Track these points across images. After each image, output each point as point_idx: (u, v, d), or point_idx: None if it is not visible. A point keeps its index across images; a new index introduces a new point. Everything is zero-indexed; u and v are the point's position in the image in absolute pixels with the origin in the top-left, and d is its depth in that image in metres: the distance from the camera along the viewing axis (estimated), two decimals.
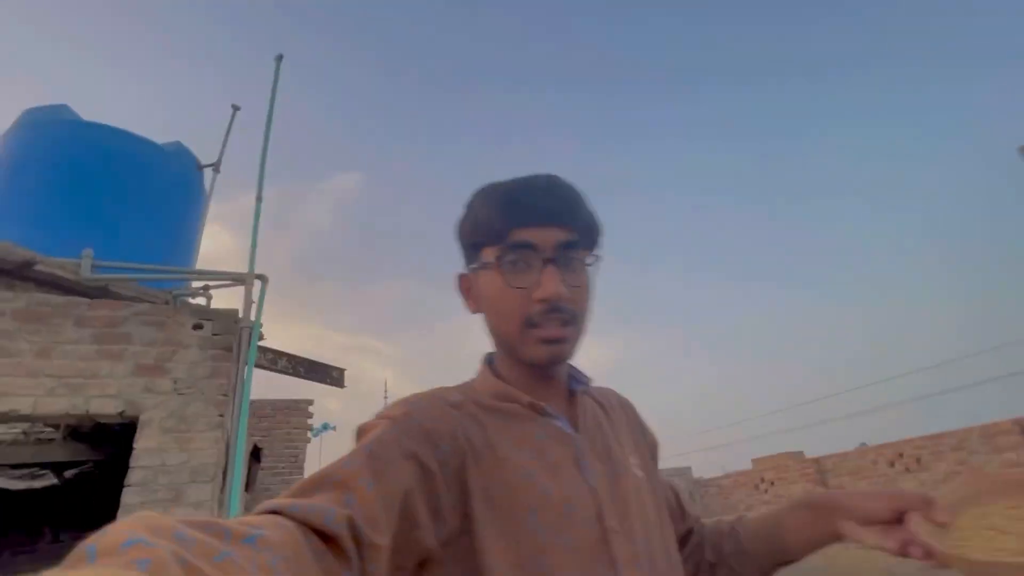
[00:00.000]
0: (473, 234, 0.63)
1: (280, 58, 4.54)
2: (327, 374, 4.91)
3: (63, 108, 3.85)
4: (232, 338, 3.15)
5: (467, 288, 0.67)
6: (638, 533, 0.57)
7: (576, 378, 0.67)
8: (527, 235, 0.58)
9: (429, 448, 0.51)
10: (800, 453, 15.22)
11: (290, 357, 4.47)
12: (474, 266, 0.63)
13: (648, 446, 0.73)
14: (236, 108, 5.00)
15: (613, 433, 0.66)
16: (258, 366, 3.40)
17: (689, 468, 15.57)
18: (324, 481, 0.45)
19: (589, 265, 0.62)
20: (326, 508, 0.40)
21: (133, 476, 2.60)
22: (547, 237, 0.58)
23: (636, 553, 0.55)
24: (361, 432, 0.53)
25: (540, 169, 0.64)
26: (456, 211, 0.68)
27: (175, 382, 2.88)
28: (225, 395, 2.97)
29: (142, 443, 2.68)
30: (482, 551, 0.50)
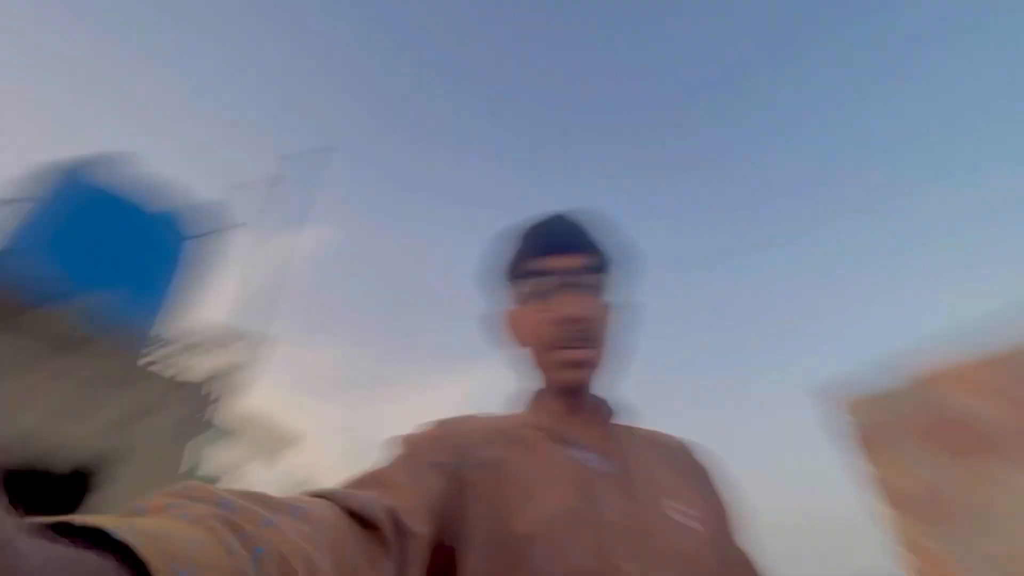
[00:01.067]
0: (499, 274, 0.68)
1: (329, 148, 5.08)
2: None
3: (96, 160, 4.12)
4: (209, 402, 3.30)
5: (500, 327, 0.69)
6: None
7: (616, 411, 0.66)
8: (544, 264, 0.62)
9: (452, 463, 0.53)
10: None
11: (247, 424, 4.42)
12: (503, 304, 0.67)
13: (719, 503, 0.64)
14: (283, 172, 5.25)
15: (657, 474, 0.61)
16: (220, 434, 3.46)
17: None
18: (364, 479, 0.48)
19: (609, 288, 0.65)
20: (368, 496, 0.41)
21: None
22: (562, 264, 0.62)
23: None
24: (397, 443, 0.55)
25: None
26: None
27: (146, 445, 2.93)
28: (191, 470, 3.04)
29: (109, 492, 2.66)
30: (464, 570, 0.49)
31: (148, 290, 4.03)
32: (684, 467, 0.65)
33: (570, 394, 0.63)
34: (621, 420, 0.65)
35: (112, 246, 3.84)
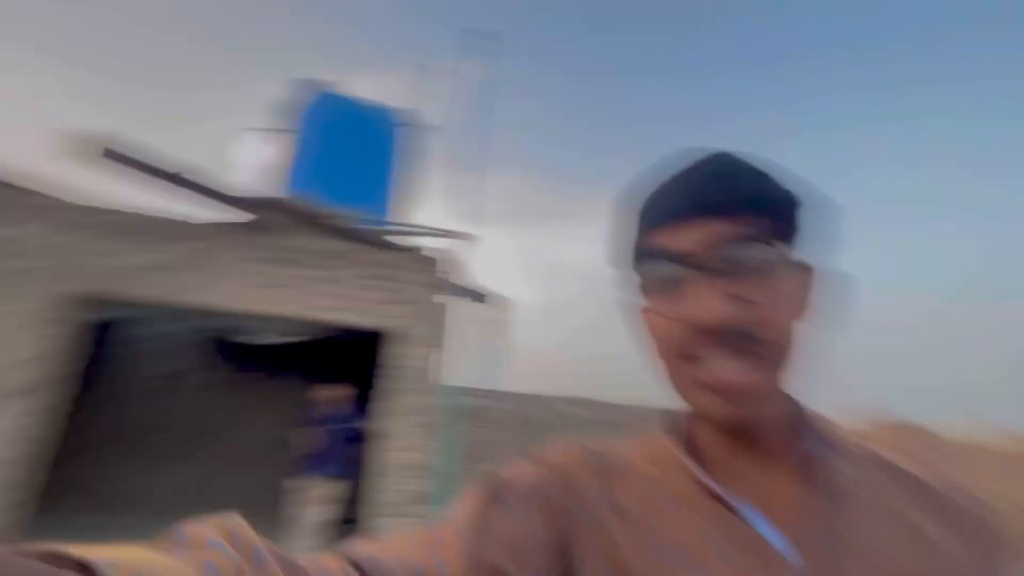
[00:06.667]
0: (623, 256, 0.47)
1: (492, 37, 5.17)
2: (487, 298, 6.01)
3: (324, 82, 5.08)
4: (452, 277, 4.32)
5: (640, 322, 0.48)
6: None
7: (812, 435, 0.44)
8: (670, 241, 0.41)
9: (556, 513, 0.42)
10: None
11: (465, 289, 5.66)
12: (634, 294, 0.47)
13: (983, 557, 0.40)
14: (448, 70, 5.72)
15: (895, 540, 0.39)
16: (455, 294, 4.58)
17: None
18: (425, 534, 0.40)
19: (778, 262, 0.40)
20: (401, 567, 0.36)
21: (389, 374, 3.96)
22: (698, 239, 0.40)
23: None
24: (486, 483, 0.44)
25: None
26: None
27: (417, 310, 4.06)
28: (440, 325, 4.14)
29: (399, 350, 3.96)
30: None
31: (383, 184, 5.05)
32: (959, 548, 0.40)
33: (731, 428, 0.42)
34: (815, 449, 0.43)
35: (358, 151, 4.84)
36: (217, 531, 0.30)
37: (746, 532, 0.39)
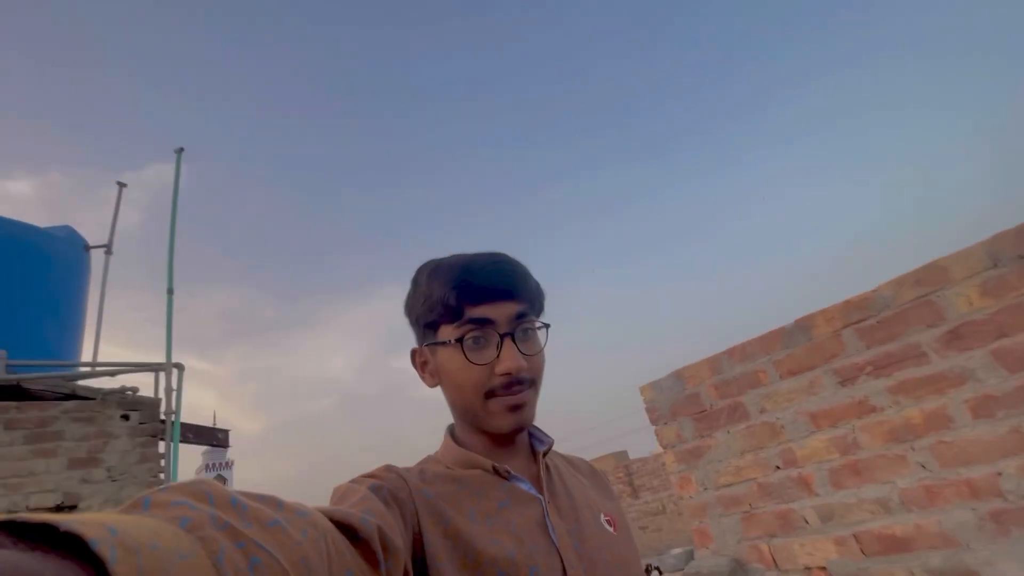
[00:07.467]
0: (428, 313, 0.64)
1: (181, 151, 4.95)
2: (213, 436, 5.29)
3: None
4: (156, 425, 3.65)
5: (423, 363, 0.67)
6: None
7: (539, 438, 0.70)
8: (484, 312, 0.61)
9: (400, 511, 0.53)
10: (624, 453, 18.42)
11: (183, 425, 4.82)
12: (432, 343, 0.64)
13: (616, 505, 0.73)
14: (122, 185, 5.17)
15: (580, 491, 0.68)
16: (154, 435, 3.83)
17: (625, 452, 17.81)
18: (344, 501, 0.49)
19: (539, 330, 0.65)
20: (360, 514, 0.42)
21: None
22: (502, 312, 0.61)
23: None
24: (339, 490, 0.53)
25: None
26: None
27: (108, 470, 3.31)
28: (155, 477, 3.47)
29: None
30: None
31: (67, 310, 4.05)
32: (592, 480, 0.75)
33: (511, 434, 0.64)
34: (541, 446, 0.69)
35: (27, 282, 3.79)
36: (184, 494, 0.29)
37: (519, 490, 0.62)
